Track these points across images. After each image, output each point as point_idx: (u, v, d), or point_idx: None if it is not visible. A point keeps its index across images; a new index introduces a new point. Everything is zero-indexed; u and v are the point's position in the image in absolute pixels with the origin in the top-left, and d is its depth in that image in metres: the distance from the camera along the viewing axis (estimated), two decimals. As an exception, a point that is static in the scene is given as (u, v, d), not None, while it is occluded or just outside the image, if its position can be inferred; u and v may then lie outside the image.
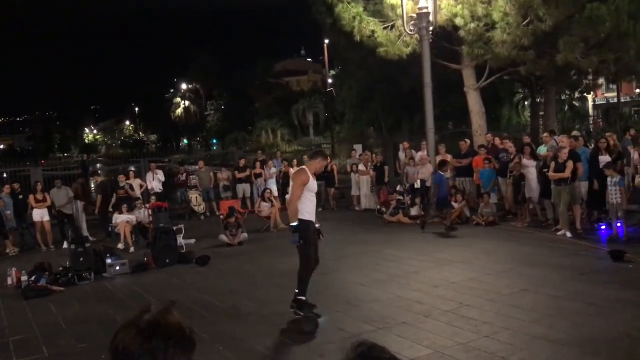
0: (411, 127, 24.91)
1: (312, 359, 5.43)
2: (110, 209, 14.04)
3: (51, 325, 7.16)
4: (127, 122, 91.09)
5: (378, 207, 14.68)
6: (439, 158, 13.86)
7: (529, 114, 26.10)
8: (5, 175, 19.14)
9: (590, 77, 20.67)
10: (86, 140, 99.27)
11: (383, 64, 16.30)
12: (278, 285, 8.14)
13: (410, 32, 13.62)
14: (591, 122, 30.14)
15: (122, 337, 1.32)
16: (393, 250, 9.99)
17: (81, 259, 9.68)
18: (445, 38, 14.50)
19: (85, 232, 12.77)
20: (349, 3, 14.62)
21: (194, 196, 16.69)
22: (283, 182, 16.30)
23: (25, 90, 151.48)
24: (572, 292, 6.75)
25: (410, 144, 16.22)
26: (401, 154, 15.94)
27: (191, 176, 17.19)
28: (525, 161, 11.71)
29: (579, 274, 7.59)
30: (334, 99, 33.85)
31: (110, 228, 13.55)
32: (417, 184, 13.77)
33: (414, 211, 13.05)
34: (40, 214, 13.12)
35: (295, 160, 17.45)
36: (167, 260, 10.29)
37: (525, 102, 28.84)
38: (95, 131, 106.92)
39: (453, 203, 12.27)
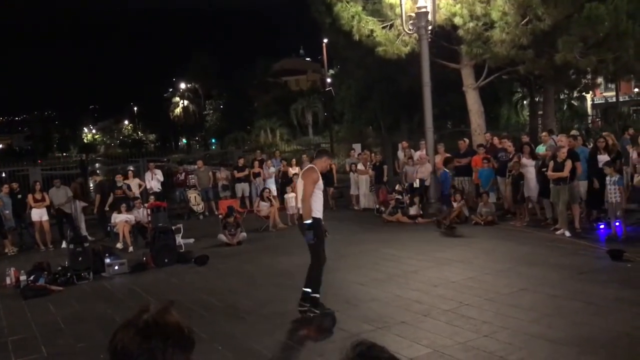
0: (410, 126, 24.95)
1: (312, 359, 5.43)
2: (106, 208, 14.03)
3: (50, 325, 7.16)
4: (126, 122, 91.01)
5: (377, 206, 14.68)
6: (438, 157, 13.88)
7: (528, 114, 26.12)
8: (4, 174, 19.11)
9: (589, 76, 20.70)
10: (85, 140, 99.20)
11: (382, 63, 16.31)
12: (277, 285, 8.15)
13: (409, 32, 13.63)
14: (589, 121, 30.17)
15: (121, 337, 1.32)
16: (392, 250, 9.98)
17: (80, 258, 9.66)
18: (444, 37, 14.51)
19: (84, 232, 12.78)
20: (347, 2, 14.62)
21: (193, 196, 16.67)
22: (282, 181, 16.30)
23: (24, 90, 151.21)
24: (571, 291, 6.76)
25: (409, 143, 16.22)
26: (400, 154, 15.93)
27: (190, 176, 17.17)
28: (524, 160, 11.71)
29: (577, 273, 7.60)
30: (333, 99, 33.87)
31: (109, 228, 13.54)
32: (416, 183, 13.79)
33: (412, 210, 13.04)
34: (39, 214, 13.11)
35: (294, 160, 17.42)
36: (166, 260, 10.28)
37: (524, 102, 28.88)
38: (94, 131, 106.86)
39: (452, 202, 12.28)
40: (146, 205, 13.26)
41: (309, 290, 6.48)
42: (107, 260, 9.92)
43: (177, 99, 61.69)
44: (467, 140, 14.56)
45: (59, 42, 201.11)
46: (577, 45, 12.54)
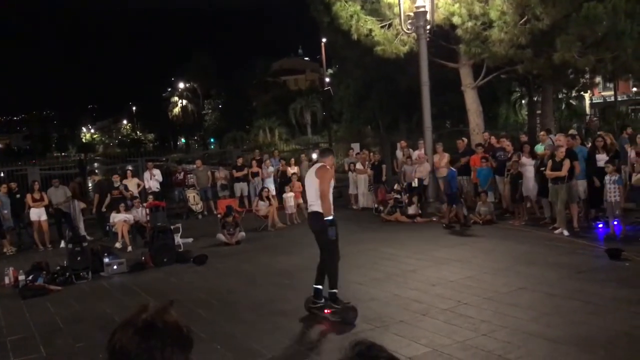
0: (409, 125, 24.95)
1: (311, 358, 5.43)
2: (103, 209, 14.02)
3: (49, 324, 7.15)
4: (125, 122, 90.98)
5: (376, 205, 14.68)
6: (436, 157, 13.89)
7: (527, 113, 26.14)
8: (2, 174, 19.08)
9: (587, 75, 20.74)
10: (84, 140, 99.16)
11: (380, 62, 16.30)
12: (276, 285, 8.15)
13: (408, 31, 13.64)
14: (586, 121, 30.21)
15: (119, 337, 1.32)
16: (390, 249, 9.99)
17: (79, 258, 9.65)
18: (442, 37, 14.52)
19: (83, 232, 12.76)
20: (346, 2, 14.62)
21: (192, 195, 16.66)
22: (281, 181, 16.28)
23: (22, 90, 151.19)
24: (569, 290, 6.77)
25: (408, 142, 16.22)
26: (399, 153, 15.94)
27: (189, 175, 17.16)
28: (524, 159, 11.72)
29: (576, 272, 7.61)
30: (332, 98, 33.86)
31: (107, 227, 13.53)
32: (415, 183, 13.80)
33: (411, 210, 13.05)
34: (37, 214, 13.09)
35: (293, 160, 17.41)
36: (164, 260, 10.27)
37: (523, 101, 28.90)
38: (92, 130, 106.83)
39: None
40: (145, 204, 13.24)
41: (334, 291, 6.45)
42: (106, 260, 9.92)
43: (176, 98, 61.67)
44: (465, 140, 14.58)
45: (58, 42, 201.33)
46: (575, 45, 12.55)
